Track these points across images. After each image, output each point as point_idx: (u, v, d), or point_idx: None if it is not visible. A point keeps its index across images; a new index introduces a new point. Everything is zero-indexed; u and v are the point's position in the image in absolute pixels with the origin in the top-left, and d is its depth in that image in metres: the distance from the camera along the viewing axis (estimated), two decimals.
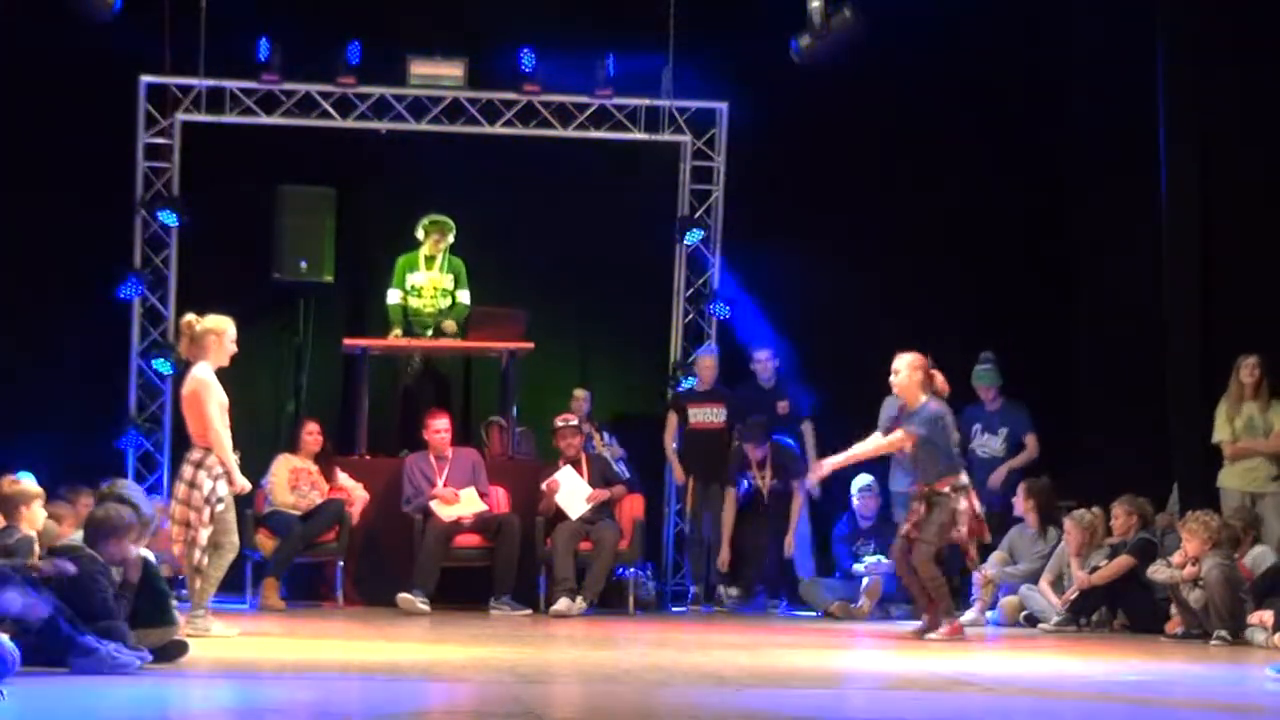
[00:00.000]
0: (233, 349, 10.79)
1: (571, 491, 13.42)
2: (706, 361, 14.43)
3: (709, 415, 14.32)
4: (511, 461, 14.09)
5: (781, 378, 14.53)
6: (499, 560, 13.14)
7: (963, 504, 11.41)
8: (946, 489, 11.42)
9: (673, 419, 14.41)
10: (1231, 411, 12.92)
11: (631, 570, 13.54)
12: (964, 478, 11.58)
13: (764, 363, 14.44)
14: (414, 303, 14.22)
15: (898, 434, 11.61)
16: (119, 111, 14.27)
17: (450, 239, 14.23)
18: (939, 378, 11.59)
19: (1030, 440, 14.01)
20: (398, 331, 14.11)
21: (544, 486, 13.42)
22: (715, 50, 14.72)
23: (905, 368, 11.55)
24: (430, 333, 14.15)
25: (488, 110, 14.73)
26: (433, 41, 14.74)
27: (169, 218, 14.29)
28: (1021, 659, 10.65)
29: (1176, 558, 12.04)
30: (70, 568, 8.37)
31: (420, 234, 14.21)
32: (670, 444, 14.41)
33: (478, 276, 14.49)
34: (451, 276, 14.27)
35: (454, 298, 14.26)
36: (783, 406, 14.35)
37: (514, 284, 14.86)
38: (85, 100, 14.17)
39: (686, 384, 14.73)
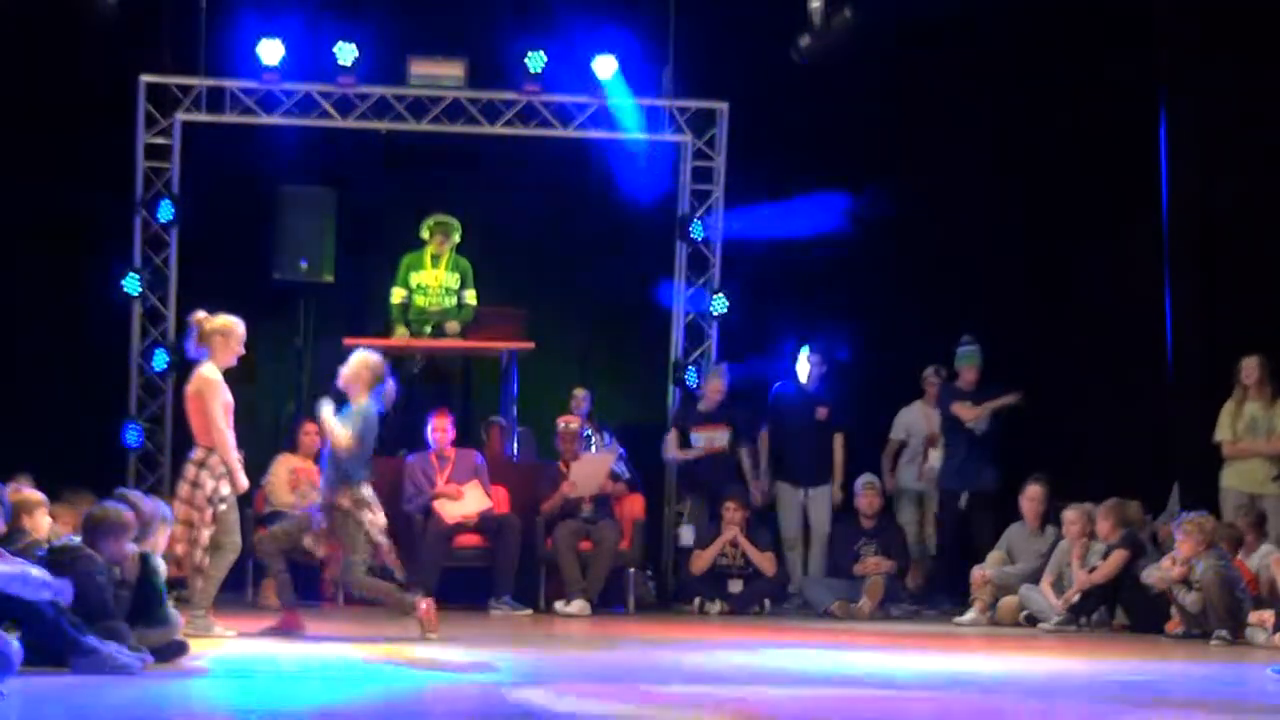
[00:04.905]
0: (240, 351, 10.76)
1: (590, 471, 13.41)
2: (715, 385, 14.25)
3: (710, 439, 14.21)
4: (511, 462, 14.09)
5: (825, 383, 14.39)
6: (499, 560, 13.14)
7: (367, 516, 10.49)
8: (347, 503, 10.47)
9: (674, 437, 14.34)
10: (1234, 411, 12.94)
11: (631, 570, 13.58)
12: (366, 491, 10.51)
13: (812, 365, 14.29)
14: (419, 301, 14.21)
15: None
16: (119, 111, 14.27)
17: (455, 239, 14.23)
18: (390, 385, 10.64)
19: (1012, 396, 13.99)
20: (402, 330, 14.10)
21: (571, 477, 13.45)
22: (715, 50, 14.73)
23: (354, 363, 10.59)
24: (430, 330, 14.14)
25: (488, 110, 14.73)
26: (433, 41, 14.74)
27: (166, 210, 14.29)
28: (1021, 659, 10.65)
29: (1166, 560, 12.06)
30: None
31: (425, 234, 14.22)
32: (672, 461, 14.34)
33: (478, 276, 14.50)
34: (458, 276, 14.26)
35: (460, 297, 14.26)
36: (822, 413, 14.24)
37: (514, 284, 14.88)
38: (85, 100, 14.17)
39: (689, 380, 14.72)
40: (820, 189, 15.02)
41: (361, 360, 10.62)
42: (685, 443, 14.24)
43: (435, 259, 14.23)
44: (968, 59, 15.00)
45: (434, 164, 14.94)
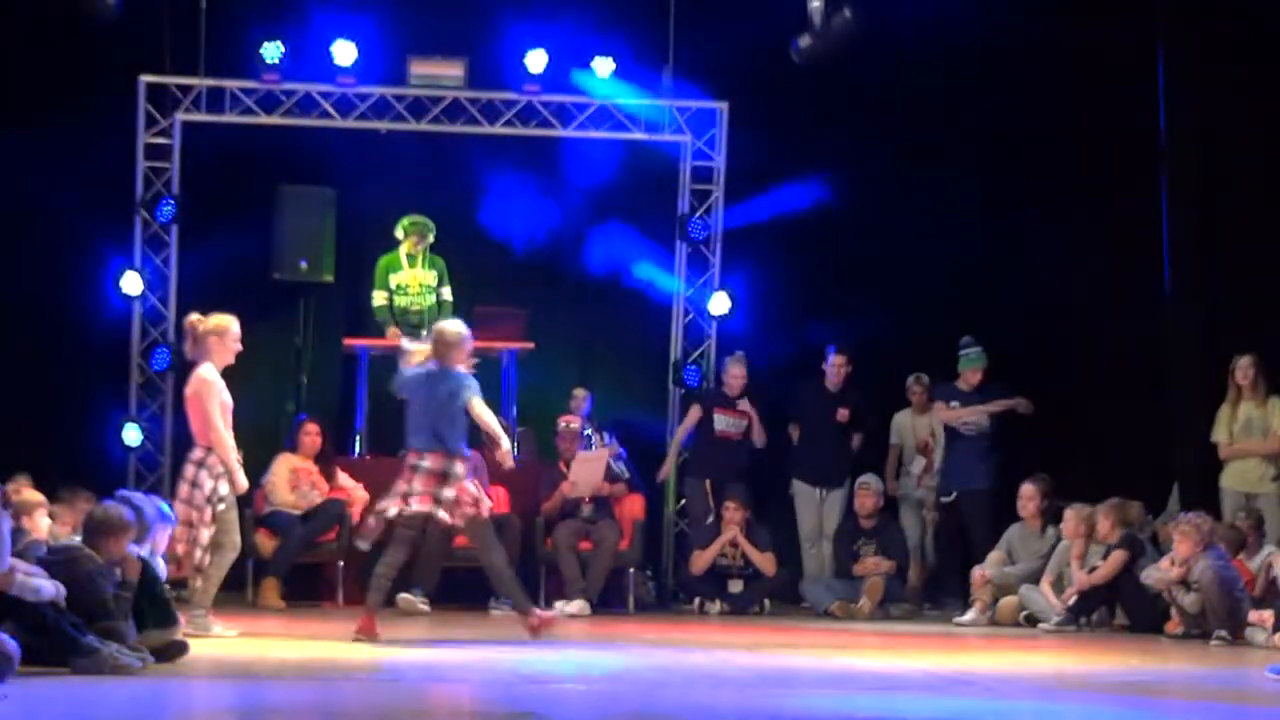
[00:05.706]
0: (236, 348, 10.79)
1: (588, 470, 13.40)
2: (736, 371, 14.25)
3: (733, 424, 14.23)
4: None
5: (852, 385, 14.39)
6: None
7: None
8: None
9: (694, 414, 14.29)
10: (1230, 412, 12.93)
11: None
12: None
13: (838, 366, 14.26)
14: (400, 301, 14.22)
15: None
16: (119, 111, 14.27)
17: (430, 239, 14.23)
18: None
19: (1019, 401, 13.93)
20: (395, 330, 14.09)
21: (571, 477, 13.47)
22: (715, 50, 14.73)
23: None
24: (423, 333, 14.12)
25: (487, 110, 14.73)
26: (433, 41, 14.74)
27: (166, 210, 14.28)
28: (1021, 659, 10.65)
29: (1165, 561, 12.06)
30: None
31: (400, 234, 14.22)
32: (679, 438, 14.31)
33: (477, 276, 14.49)
34: (435, 274, 14.27)
35: (438, 295, 14.25)
36: (843, 414, 14.24)
37: (514, 284, 14.87)
38: (85, 100, 14.17)
39: (691, 381, 14.72)
40: (818, 188, 15.01)
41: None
42: (706, 425, 14.20)
43: (411, 258, 14.24)
44: (967, 59, 14.99)
45: (434, 164, 14.93)
